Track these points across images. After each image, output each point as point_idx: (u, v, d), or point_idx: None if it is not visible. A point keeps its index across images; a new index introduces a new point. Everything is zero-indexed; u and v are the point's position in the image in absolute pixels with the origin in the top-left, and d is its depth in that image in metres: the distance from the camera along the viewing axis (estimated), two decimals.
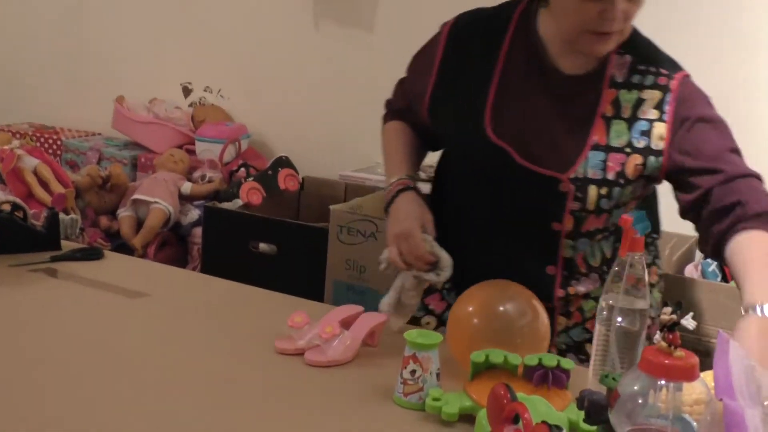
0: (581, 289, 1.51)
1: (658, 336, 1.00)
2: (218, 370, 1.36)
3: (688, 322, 1.01)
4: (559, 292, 1.50)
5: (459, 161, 1.52)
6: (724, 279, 2.25)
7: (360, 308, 1.55)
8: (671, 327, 1.00)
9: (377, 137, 1.68)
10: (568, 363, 1.26)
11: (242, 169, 3.11)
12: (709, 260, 2.26)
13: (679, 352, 1.00)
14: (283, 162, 3.07)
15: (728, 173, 1.36)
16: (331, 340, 1.42)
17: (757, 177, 1.37)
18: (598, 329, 1.28)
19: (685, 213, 1.42)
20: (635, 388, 1.01)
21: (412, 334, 1.30)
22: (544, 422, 1.00)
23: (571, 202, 1.43)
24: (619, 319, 1.25)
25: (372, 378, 1.36)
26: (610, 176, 1.42)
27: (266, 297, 1.73)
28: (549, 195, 1.43)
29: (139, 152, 3.25)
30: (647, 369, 1.01)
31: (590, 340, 1.46)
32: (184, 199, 3.04)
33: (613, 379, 1.20)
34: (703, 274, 2.25)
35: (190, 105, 3.47)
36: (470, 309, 1.39)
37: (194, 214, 3.01)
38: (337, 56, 3.16)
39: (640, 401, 1.00)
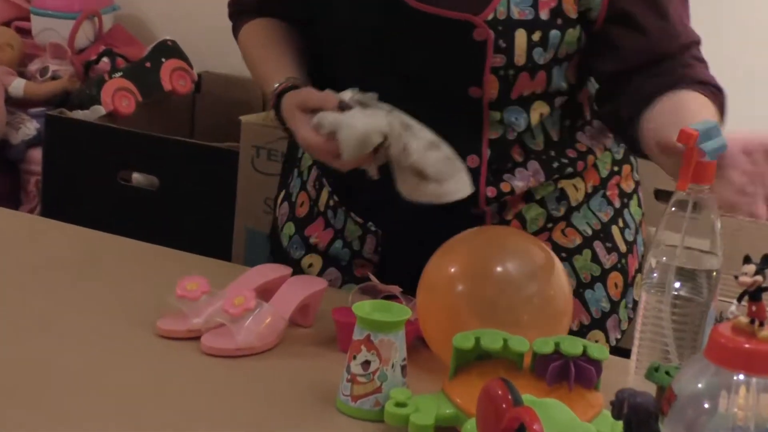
0: (518, 184, 1.57)
1: (734, 308, 1.01)
2: (68, 362, 1.36)
3: None
4: (489, 191, 1.56)
5: (336, 29, 1.58)
6: None
7: (286, 270, 1.56)
8: (755, 294, 1.00)
9: None
10: (599, 350, 1.27)
11: (105, 59, 3.07)
12: None
13: (767, 332, 1.00)
14: (169, 49, 3.04)
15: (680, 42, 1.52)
16: (241, 317, 1.42)
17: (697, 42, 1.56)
18: (645, 299, 1.29)
19: (604, 93, 1.56)
20: (699, 386, 1.02)
21: (365, 306, 1.30)
22: None
23: (491, 55, 1.48)
24: (677, 284, 1.26)
25: (304, 374, 1.37)
26: (543, 15, 1.49)
27: (143, 253, 1.74)
28: (460, 48, 1.49)
29: None
30: (717, 358, 1.01)
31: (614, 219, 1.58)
32: (14, 104, 3.01)
33: (667, 373, 1.21)
34: None
35: None
36: (452, 270, 1.39)
37: (30, 128, 3.00)
38: None
39: (706, 406, 1.01)
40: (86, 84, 2.98)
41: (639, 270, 1.68)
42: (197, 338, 1.42)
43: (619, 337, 1.64)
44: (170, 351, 1.41)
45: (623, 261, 1.65)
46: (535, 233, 1.60)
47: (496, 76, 1.50)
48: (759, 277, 1.01)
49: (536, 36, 1.49)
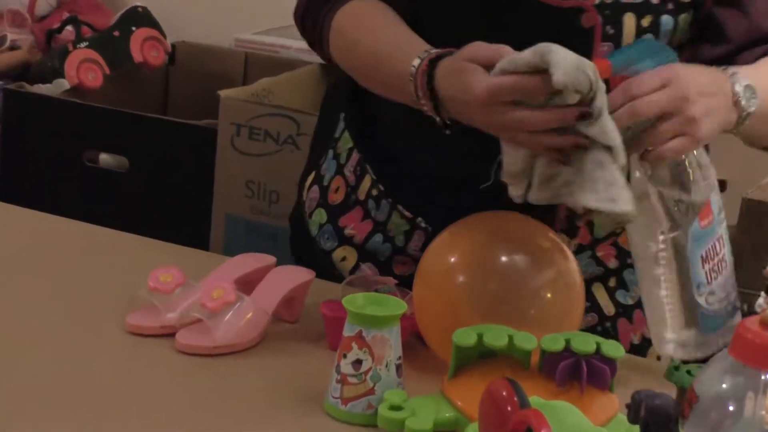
0: None
1: (761, 300, 1.01)
2: (29, 361, 1.36)
3: None
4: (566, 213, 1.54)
5: (439, 18, 1.54)
6: None
7: (270, 259, 1.56)
8: None
9: None
10: (614, 348, 1.27)
11: (68, 27, 3.07)
12: None
13: None
14: (139, 17, 3.04)
15: None
16: (220, 311, 1.42)
17: None
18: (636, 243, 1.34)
19: None
20: (723, 386, 1.02)
21: (356, 300, 1.30)
22: None
23: (599, 43, 1.47)
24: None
25: (289, 374, 1.37)
26: None
27: (111, 241, 1.74)
28: (567, 33, 1.45)
29: None
30: (744, 355, 1.01)
31: (602, 279, 1.58)
32: None
33: (688, 372, 1.22)
34: None
35: None
36: (452, 260, 1.40)
37: None
38: None
39: (731, 408, 1.01)
40: (48, 55, 2.96)
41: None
42: (171, 335, 1.42)
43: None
44: (142, 349, 1.41)
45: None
46: (602, 239, 1.58)
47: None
48: None
49: (646, 21, 1.47)
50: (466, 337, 1.28)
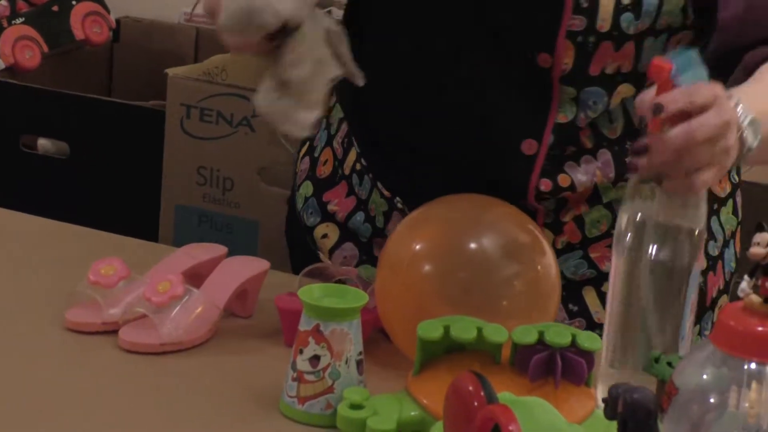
0: (581, 178, 1.55)
1: (744, 284, 1.02)
2: None
3: None
4: (543, 184, 1.54)
5: None
6: None
7: (221, 249, 1.56)
8: None
9: None
10: (590, 339, 1.28)
11: (2, 2, 3.04)
12: None
13: None
14: None
15: None
16: (167, 306, 1.42)
17: None
18: (617, 266, 1.31)
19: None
20: (705, 378, 1.03)
21: (313, 291, 1.30)
22: None
23: (569, 15, 1.47)
24: (654, 247, 1.28)
25: (242, 372, 1.38)
26: None
27: (50, 232, 1.74)
28: (532, 4, 1.48)
29: None
30: (726, 343, 1.02)
31: (594, 282, 1.56)
32: None
33: (668, 364, 1.23)
34: None
35: None
36: (417, 247, 1.40)
37: None
38: None
39: (713, 401, 1.02)
40: None
41: (725, 290, 1.66)
42: (114, 332, 1.42)
43: None
44: (83, 347, 1.41)
45: (700, 279, 1.61)
46: (595, 239, 1.58)
47: (572, 43, 1.47)
48: None
49: None
50: (431, 329, 1.28)
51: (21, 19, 2.92)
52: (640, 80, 1.51)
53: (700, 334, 1.64)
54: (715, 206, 1.65)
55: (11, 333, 1.44)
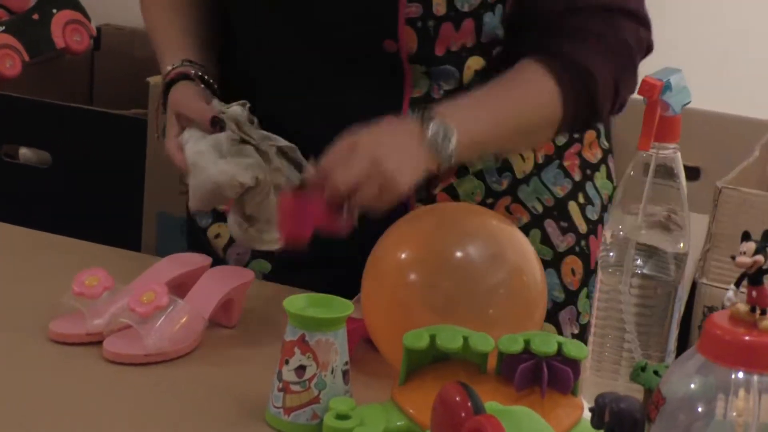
0: None
1: (731, 293, 1.02)
2: None
3: None
4: None
5: None
6: None
7: (205, 259, 1.56)
8: (755, 276, 1.02)
9: None
10: (576, 348, 1.28)
11: None
12: None
13: None
14: None
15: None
16: (151, 316, 1.42)
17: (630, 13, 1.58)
18: (602, 280, 1.32)
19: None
20: (692, 387, 1.03)
21: (298, 301, 1.30)
22: None
23: (404, 4, 1.51)
24: (638, 261, 1.29)
25: (227, 383, 1.38)
26: None
27: (33, 242, 1.74)
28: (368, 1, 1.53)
29: None
30: (713, 353, 1.02)
31: (573, 195, 1.64)
32: None
33: (655, 373, 1.23)
34: None
35: None
36: (402, 256, 1.41)
37: None
38: None
39: (700, 410, 1.02)
40: None
41: None
42: (99, 343, 1.42)
43: (576, 331, 1.67)
44: (67, 358, 1.41)
45: (583, 243, 1.67)
46: (565, 144, 1.64)
47: (413, 29, 1.53)
48: (760, 257, 1.02)
49: None
50: (417, 339, 1.28)
51: (1, 28, 2.91)
52: (486, 51, 1.59)
53: (588, 297, 1.69)
54: (588, 172, 1.70)
55: None
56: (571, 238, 1.66)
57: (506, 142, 1.55)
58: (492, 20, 1.56)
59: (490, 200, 1.63)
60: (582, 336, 1.61)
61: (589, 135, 1.71)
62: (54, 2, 2.99)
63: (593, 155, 1.71)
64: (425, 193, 1.60)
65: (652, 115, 1.28)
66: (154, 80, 2.57)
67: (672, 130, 1.30)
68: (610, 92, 1.55)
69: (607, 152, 1.73)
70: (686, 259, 1.31)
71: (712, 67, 2.77)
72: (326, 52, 1.57)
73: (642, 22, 1.58)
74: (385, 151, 1.40)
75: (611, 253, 1.32)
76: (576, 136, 1.69)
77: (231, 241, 1.70)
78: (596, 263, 1.66)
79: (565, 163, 1.67)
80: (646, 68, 1.37)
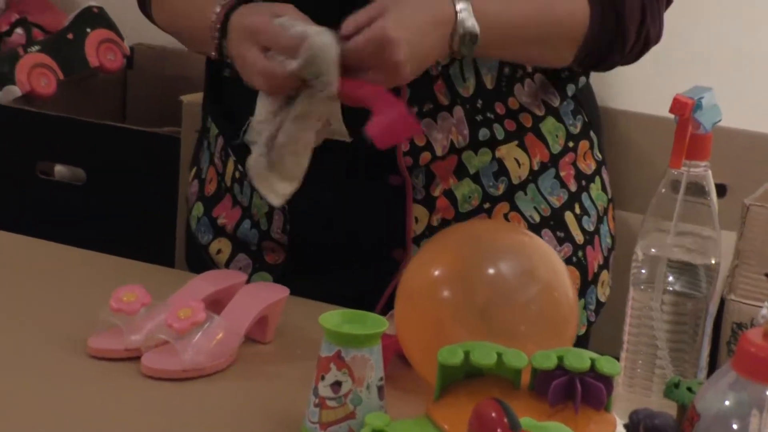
0: (437, 135, 1.60)
1: (765, 311, 1.02)
2: None
3: None
4: (405, 147, 1.58)
5: None
6: None
7: (240, 276, 1.57)
8: None
9: None
10: (609, 365, 1.28)
11: (18, 30, 3.06)
12: None
13: None
14: (95, 17, 3.03)
15: None
16: (188, 333, 1.42)
17: None
18: (633, 297, 1.33)
19: None
20: (726, 403, 1.04)
21: (334, 317, 1.30)
22: None
23: None
24: (671, 278, 1.30)
25: (263, 398, 1.38)
26: None
27: (69, 259, 1.74)
28: None
29: None
30: (747, 369, 1.02)
31: (570, 206, 1.65)
32: None
33: (689, 389, 1.23)
34: None
35: None
36: (435, 274, 1.41)
37: None
38: None
39: (735, 426, 1.03)
40: None
41: (605, 266, 1.71)
42: (137, 358, 1.42)
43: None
44: (105, 373, 1.41)
45: (580, 254, 1.67)
46: (468, 215, 1.63)
47: None
48: None
49: None
50: (451, 355, 1.28)
51: (37, 47, 2.93)
52: None
53: (585, 308, 1.70)
54: (584, 183, 1.71)
55: (34, 361, 1.44)
56: (567, 249, 1.66)
57: (528, 45, 1.56)
58: None
59: (486, 205, 1.64)
60: (578, 347, 1.61)
61: (583, 145, 1.71)
62: (88, 21, 3.00)
63: (587, 166, 1.72)
64: (425, 192, 1.60)
65: (684, 133, 1.29)
66: (187, 99, 2.58)
67: (703, 148, 1.30)
68: (637, 19, 1.57)
69: (600, 164, 1.74)
70: (718, 273, 1.31)
71: (741, 85, 2.77)
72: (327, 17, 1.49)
73: None
74: (399, 34, 1.40)
75: (642, 270, 1.32)
76: (571, 144, 1.69)
77: (232, 256, 1.71)
78: (594, 273, 1.68)
79: (561, 173, 1.67)
80: (678, 87, 1.37)
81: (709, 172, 1.31)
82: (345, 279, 1.63)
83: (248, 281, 1.62)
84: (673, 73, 2.38)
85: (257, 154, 1.48)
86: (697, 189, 1.30)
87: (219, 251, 1.73)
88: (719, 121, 1.31)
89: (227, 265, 1.71)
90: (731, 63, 2.79)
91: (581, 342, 1.67)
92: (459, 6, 1.45)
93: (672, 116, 1.30)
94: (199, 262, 1.74)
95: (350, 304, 1.39)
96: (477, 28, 1.45)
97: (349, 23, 1.41)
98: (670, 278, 1.30)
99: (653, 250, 1.31)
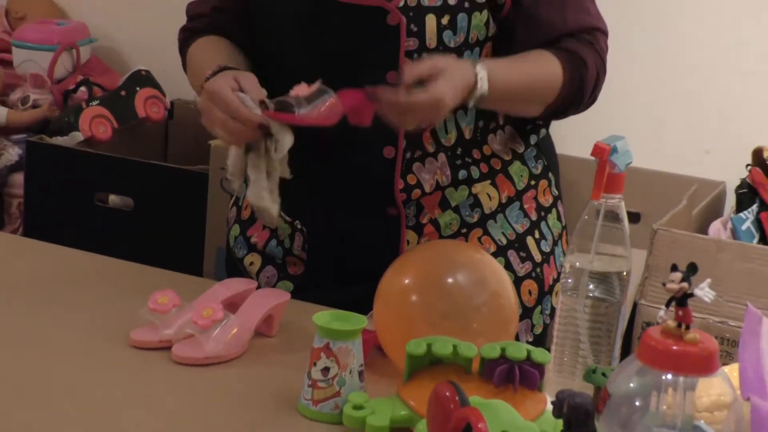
0: (425, 176, 1.58)
1: (662, 313, 1.02)
2: (47, 373, 1.36)
3: (704, 292, 1.03)
4: (399, 182, 1.57)
5: (264, 20, 1.59)
6: (763, 240, 2.30)
7: (251, 283, 1.56)
8: (682, 299, 1.02)
9: None
10: (542, 355, 1.28)
11: (82, 88, 3.06)
12: (743, 214, 2.32)
13: (693, 335, 1.02)
14: (143, 78, 3.03)
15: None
16: (209, 328, 1.42)
17: (603, 31, 1.62)
18: (562, 301, 1.33)
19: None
20: (632, 385, 1.04)
21: (324, 316, 1.30)
22: None
23: (404, 38, 1.50)
24: (591, 286, 1.30)
25: (268, 380, 1.37)
26: (451, 0, 1.51)
27: (118, 269, 1.73)
28: (375, 32, 1.50)
29: None
30: (648, 359, 1.02)
31: (531, 232, 1.64)
32: None
33: (603, 374, 1.23)
34: (735, 233, 2.30)
35: None
36: (405, 282, 1.41)
37: (12, 154, 2.97)
38: None
39: (638, 404, 1.03)
40: (65, 112, 2.95)
41: (558, 279, 1.69)
42: (168, 348, 1.42)
43: (530, 339, 1.66)
44: (143, 361, 1.41)
45: (538, 270, 1.66)
46: (451, 237, 1.62)
47: (410, 60, 1.50)
48: (685, 284, 1.03)
49: (445, 19, 1.50)
50: (417, 347, 1.28)
51: (96, 102, 2.93)
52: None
53: (541, 313, 1.68)
54: (542, 213, 1.69)
55: (86, 350, 1.44)
56: (528, 266, 1.65)
57: (517, 103, 1.56)
58: (469, 57, 1.55)
59: (464, 230, 1.62)
60: (535, 343, 1.61)
61: (543, 183, 1.70)
62: (138, 81, 3.01)
63: (546, 200, 1.70)
64: (415, 221, 1.59)
65: (602, 172, 1.29)
66: (215, 143, 2.58)
67: (618, 184, 1.30)
68: (593, 81, 1.57)
69: (557, 198, 1.73)
70: (628, 282, 1.31)
71: (650, 132, 2.77)
72: (337, 84, 1.45)
73: (606, 35, 1.61)
74: (449, 96, 1.40)
75: (569, 280, 1.32)
76: (533, 182, 1.67)
77: (262, 267, 1.69)
78: (549, 286, 1.67)
79: (525, 206, 1.66)
80: (597, 135, 1.37)
81: (623, 203, 1.31)
82: (351, 287, 1.62)
83: (274, 287, 1.64)
84: (598, 122, 2.36)
85: (256, 185, 1.47)
86: (612, 216, 1.30)
87: (251, 263, 1.71)
88: (630, 162, 1.31)
89: (257, 275, 1.69)
90: (644, 115, 2.79)
91: (540, 339, 1.67)
92: (480, 75, 1.45)
93: (594, 159, 1.30)
94: (236, 271, 1.73)
95: (354, 308, 1.38)
96: (487, 91, 1.46)
97: (412, 74, 1.39)
98: (591, 286, 1.30)
99: (578, 263, 1.31)
